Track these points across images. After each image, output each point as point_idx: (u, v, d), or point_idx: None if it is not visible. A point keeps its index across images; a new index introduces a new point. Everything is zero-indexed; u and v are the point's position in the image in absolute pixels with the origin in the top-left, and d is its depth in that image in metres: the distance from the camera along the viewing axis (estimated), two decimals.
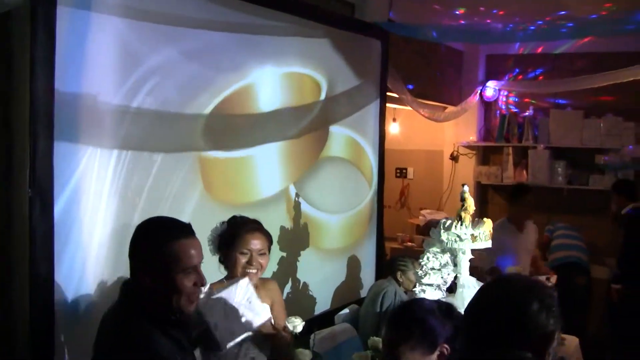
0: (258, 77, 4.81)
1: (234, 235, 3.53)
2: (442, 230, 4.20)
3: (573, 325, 5.62)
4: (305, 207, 5.37)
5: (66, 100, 3.43)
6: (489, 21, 6.26)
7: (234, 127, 4.64)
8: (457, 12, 6.60)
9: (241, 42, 4.65)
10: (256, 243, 3.56)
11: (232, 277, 3.55)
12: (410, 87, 6.98)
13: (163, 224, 2.77)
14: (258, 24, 4.79)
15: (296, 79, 5.25)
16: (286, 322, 3.66)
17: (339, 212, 5.90)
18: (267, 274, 4.50)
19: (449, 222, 4.20)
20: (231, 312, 3.35)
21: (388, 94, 6.60)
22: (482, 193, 9.16)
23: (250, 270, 3.53)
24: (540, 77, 8.66)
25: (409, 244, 8.46)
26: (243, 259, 3.53)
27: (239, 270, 3.53)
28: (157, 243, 2.61)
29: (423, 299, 3.41)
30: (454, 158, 9.11)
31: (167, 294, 2.58)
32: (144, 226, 2.74)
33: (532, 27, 5.69)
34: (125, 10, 3.74)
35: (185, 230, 2.69)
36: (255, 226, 3.62)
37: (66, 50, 3.42)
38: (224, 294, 3.35)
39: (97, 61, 3.61)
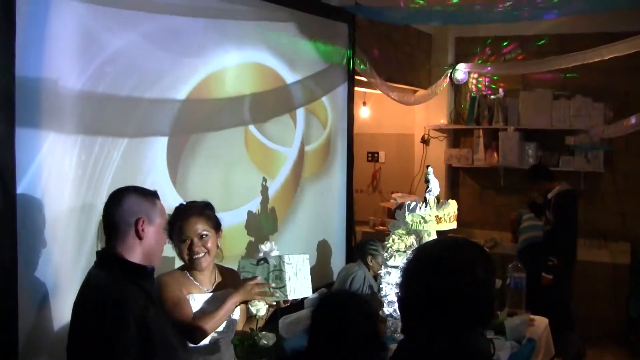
0: (222, 62, 4.80)
1: (172, 224, 3.52)
2: (407, 212, 4.22)
3: (542, 306, 5.69)
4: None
5: (27, 85, 3.40)
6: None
7: (198, 113, 4.64)
8: None
9: (205, 26, 4.63)
10: (195, 228, 3.53)
11: (184, 267, 3.61)
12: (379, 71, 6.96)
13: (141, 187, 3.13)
14: (222, 8, 4.77)
15: (261, 63, 5.23)
16: (249, 306, 3.65)
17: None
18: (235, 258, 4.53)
19: (413, 204, 4.22)
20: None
21: (357, 77, 6.60)
22: (454, 176, 9.21)
23: (197, 256, 3.54)
24: (510, 59, 8.67)
25: (381, 227, 8.48)
26: (184, 247, 3.54)
27: (185, 258, 3.55)
28: (149, 198, 2.98)
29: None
30: (425, 141, 9.14)
31: (153, 244, 2.94)
32: (131, 189, 3.02)
33: (503, 6, 5.68)
34: None
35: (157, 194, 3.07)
36: (190, 212, 3.58)
37: (26, 34, 3.38)
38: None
39: (58, 46, 3.57)
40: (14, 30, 3.31)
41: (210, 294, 3.66)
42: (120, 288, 2.73)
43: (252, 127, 5.15)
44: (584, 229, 7.74)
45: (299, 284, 3.66)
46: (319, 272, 5.94)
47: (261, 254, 3.72)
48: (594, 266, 7.64)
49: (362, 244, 5.50)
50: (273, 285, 3.62)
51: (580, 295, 7.18)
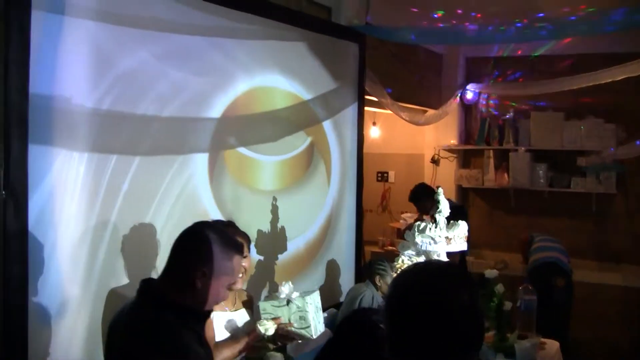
0: (233, 81, 4.82)
1: None
2: (417, 233, 4.20)
3: (553, 329, 5.65)
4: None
5: (40, 103, 3.44)
6: (467, 24, 6.25)
7: (213, 131, 4.66)
8: (435, 16, 6.61)
9: (215, 45, 4.66)
10: None
11: None
12: (389, 90, 6.97)
13: (229, 236, 2.88)
14: (233, 27, 4.80)
15: (271, 83, 5.25)
16: (257, 325, 3.65)
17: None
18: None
19: (423, 224, 4.20)
20: None
21: (367, 97, 6.60)
22: (464, 196, 9.18)
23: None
24: (520, 80, 8.66)
25: (390, 247, 8.47)
26: None
27: None
28: (228, 252, 2.75)
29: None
30: (435, 161, 9.12)
31: (208, 296, 2.69)
32: (212, 231, 2.78)
33: (511, 29, 5.68)
34: (98, 14, 3.75)
35: (242, 249, 2.90)
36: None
37: (40, 53, 3.43)
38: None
39: (71, 64, 3.62)
40: (29, 48, 3.36)
41: (232, 313, 3.69)
42: (177, 334, 2.58)
43: (254, 148, 5.13)
44: (595, 250, 7.71)
45: (318, 320, 3.76)
46: (328, 292, 5.92)
47: (282, 296, 3.76)
48: (605, 289, 7.57)
49: (371, 264, 5.47)
50: (296, 325, 3.69)
51: (590, 318, 7.13)
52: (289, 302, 3.72)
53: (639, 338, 7.37)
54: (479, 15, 6.45)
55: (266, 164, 5.22)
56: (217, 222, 3.68)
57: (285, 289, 3.78)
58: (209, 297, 2.69)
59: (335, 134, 6.15)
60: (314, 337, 3.68)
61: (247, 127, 5.01)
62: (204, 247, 2.68)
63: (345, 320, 3.00)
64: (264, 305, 3.77)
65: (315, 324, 3.71)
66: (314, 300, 3.80)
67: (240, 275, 3.61)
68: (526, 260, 7.36)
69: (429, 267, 2.14)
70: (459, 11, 6.47)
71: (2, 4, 3.27)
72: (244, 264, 3.59)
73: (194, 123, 4.50)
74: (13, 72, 3.31)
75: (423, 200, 7.21)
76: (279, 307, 3.78)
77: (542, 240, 7.24)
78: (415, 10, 6.49)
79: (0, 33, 3.31)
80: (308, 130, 5.75)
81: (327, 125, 6.02)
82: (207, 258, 2.66)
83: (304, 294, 3.77)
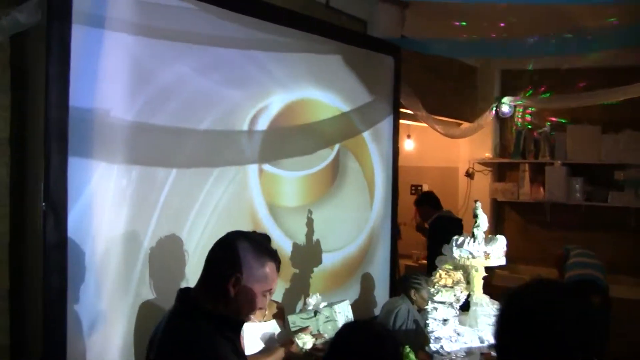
0: (270, 94, 4.85)
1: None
2: (455, 247, 4.16)
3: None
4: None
5: (80, 116, 3.48)
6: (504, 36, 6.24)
7: (249, 144, 4.68)
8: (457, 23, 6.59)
9: (252, 58, 4.68)
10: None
11: None
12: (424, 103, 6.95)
13: (262, 243, 2.83)
14: (269, 39, 4.83)
15: (308, 96, 5.27)
16: (295, 339, 3.65)
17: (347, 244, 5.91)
18: (280, 291, 4.58)
19: (461, 239, 4.16)
20: None
21: (402, 110, 6.59)
22: (498, 210, 9.11)
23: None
24: (556, 92, 8.58)
25: (424, 261, 8.39)
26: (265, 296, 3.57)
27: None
28: (260, 258, 2.70)
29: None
30: (469, 175, 9.08)
31: (243, 304, 2.66)
32: (246, 239, 2.77)
33: (547, 41, 5.65)
34: (137, 27, 3.80)
35: (276, 256, 2.81)
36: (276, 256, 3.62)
37: (80, 67, 3.47)
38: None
39: (111, 77, 3.66)
40: (69, 62, 3.40)
41: (262, 324, 3.70)
42: (213, 344, 2.55)
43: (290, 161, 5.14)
44: (633, 266, 7.60)
45: None
46: (363, 306, 5.91)
47: (310, 307, 3.76)
48: None
49: (406, 278, 5.43)
50: (327, 335, 3.70)
51: (628, 335, 7.01)
52: (316, 312, 3.72)
53: None
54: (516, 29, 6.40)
55: (295, 178, 5.22)
56: (252, 233, 3.68)
57: (312, 301, 3.79)
58: (244, 305, 2.66)
59: (375, 146, 6.15)
60: None
61: (285, 140, 5.02)
62: (236, 253, 2.67)
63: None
64: (293, 319, 3.80)
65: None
66: (343, 309, 3.82)
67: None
68: (562, 276, 7.28)
69: (544, 286, 2.16)
70: (501, 24, 6.42)
71: (44, 18, 3.31)
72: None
73: (232, 136, 4.53)
74: (53, 86, 3.35)
75: (424, 206, 7.29)
76: (307, 319, 3.80)
77: (578, 255, 7.14)
78: (455, 23, 6.45)
79: (41, 48, 3.35)
80: (349, 143, 5.80)
81: (367, 137, 6.04)
82: (239, 264, 2.64)
83: (332, 304, 3.76)
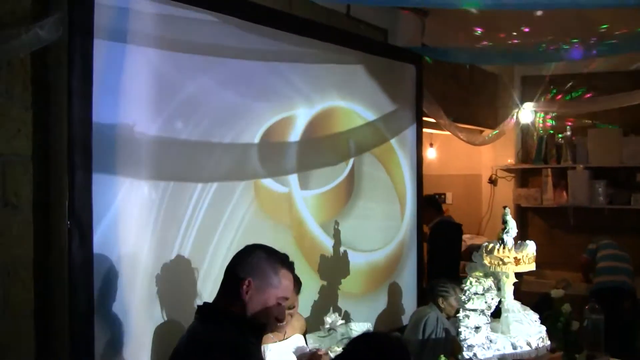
0: (294, 105, 4.82)
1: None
2: (485, 254, 4.12)
3: (621, 351, 5.50)
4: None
5: (104, 132, 3.45)
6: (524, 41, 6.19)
7: (274, 157, 4.66)
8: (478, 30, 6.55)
9: (275, 70, 4.66)
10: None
11: None
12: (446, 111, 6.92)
13: (276, 251, 2.89)
14: (291, 50, 4.81)
15: (332, 105, 5.24)
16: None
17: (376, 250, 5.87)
18: (309, 303, 4.54)
19: (491, 245, 4.12)
20: None
21: (424, 118, 6.56)
22: (522, 216, 9.05)
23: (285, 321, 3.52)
24: (577, 97, 8.53)
25: None
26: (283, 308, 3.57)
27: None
28: (273, 264, 2.77)
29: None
30: (492, 182, 9.05)
31: (257, 310, 2.70)
32: (261, 249, 2.84)
33: (568, 47, 5.60)
34: (160, 41, 3.77)
35: (289, 264, 2.86)
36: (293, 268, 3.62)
37: (103, 81, 3.45)
38: None
39: (134, 92, 3.63)
40: (92, 78, 3.38)
41: (284, 342, 3.67)
42: (241, 343, 2.61)
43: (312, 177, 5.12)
44: None
45: None
46: (390, 316, 5.88)
47: (327, 326, 3.77)
48: None
49: (433, 286, 5.39)
50: None
51: None
52: (331, 330, 3.82)
53: None
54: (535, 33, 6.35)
55: (312, 196, 5.16)
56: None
57: (329, 319, 3.79)
58: (259, 311, 2.70)
59: (402, 155, 6.15)
60: None
61: (312, 150, 5.01)
62: (249, 258, 2.76)
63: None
64: (309, 337, 3.81)
65: None
66: (361, 328, 3.92)
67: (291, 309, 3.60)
68: (587, 280, 7.23)
69: None
70: (526, 29, 6.36)
71: (65, 34, 3.30)
72: (292, 301, 3.58)
73: (256, 148, 4.49)
74: (76, 101, 3.32)
75: (427, 209, 7.18)
76: (324, 337, 3.81)
77: (609, 258, 7.10)
78: (478, 30, 6.40)
79: (64, 62, 3.34)
80: (378, 151, 5.81)
81: (395, 146, 6.04)
82: (250, 268, 2.72)
83: (352, 322, 3.88)
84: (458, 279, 6.82)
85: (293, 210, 4.84)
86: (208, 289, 4.02)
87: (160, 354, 3.70)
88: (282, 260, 2.81)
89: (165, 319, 3.83)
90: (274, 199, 4.67)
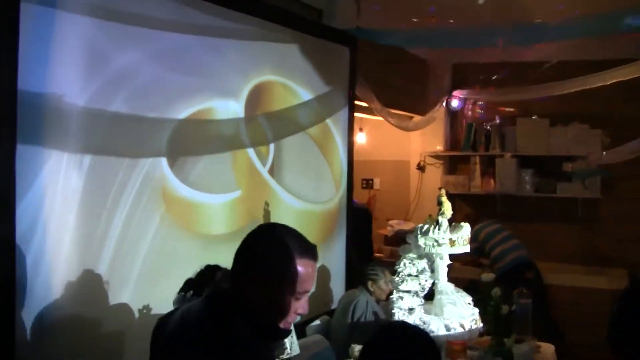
0: (225, 82, 4.72)
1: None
2: (420, 235, 4.12)
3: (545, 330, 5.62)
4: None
5: (30, 102, 3.29)
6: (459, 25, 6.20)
7: (204, 134, 4.54)
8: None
9: (209, 45, 4.55)
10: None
11: None
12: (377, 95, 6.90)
13: (294, 236, 2.43)
14: (226, 27, 4.69)
15: (265, 85, 5.15)
16: None
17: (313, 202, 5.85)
18: None
19: (426, 226, 4.12)
20: None
21: (357, 102, 6.53)
22: (450, 202, 9.05)
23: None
24: (507, 86, 8.61)
25: (377, 254, 8.37)
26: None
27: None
28: (296, 254, 2.33)
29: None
30: (420, 168, 9.06)
31: (267, 309, 2.32)
32: (271, 234, 2.43)
33: (505, 31, 5.63)
34: (93, 9, 3.62)
35: (313, 252, 2.43)
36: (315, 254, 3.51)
37: (30, 49, 3.29)
38: None
39: (63, 61, 3.47)
40: (17, 44, 3.22)
41: None
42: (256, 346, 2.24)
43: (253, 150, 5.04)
44: (582, 255, 7.69)
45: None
46: (319, 299, 5.82)
47: None
48: (592, 293, 7.51)
49: (362, 270, 5.38)
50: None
51: (581, 322, 7.08)
52: None
53: None
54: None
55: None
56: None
57: None
58: (262, 310, 2.29)
59: (338, 137, 6.14)
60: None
61: (249, 126, 4.94)
62: (263, 245, 2.36)
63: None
64: None
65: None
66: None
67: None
68: (477, 263, 7.53)
69: None
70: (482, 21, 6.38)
71: None
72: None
73: (190, 124, 4.39)
74: (1, 69, 3.17)
75: None
76: None
77: (502, 240, 7.34)
78: (416, 18, 6.39)
79: None
80: (314, 131, 5.77)
81: (332, 128, 6.02)
82: (261, 258, 2.31)
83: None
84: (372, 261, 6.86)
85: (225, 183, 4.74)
86: (137, 267, 3.94)
87: (91, 336, 3.64)
88: (304, 247, 2.37)
89: (97, 298, 3.72)
90: (209, 172, 4.58)
